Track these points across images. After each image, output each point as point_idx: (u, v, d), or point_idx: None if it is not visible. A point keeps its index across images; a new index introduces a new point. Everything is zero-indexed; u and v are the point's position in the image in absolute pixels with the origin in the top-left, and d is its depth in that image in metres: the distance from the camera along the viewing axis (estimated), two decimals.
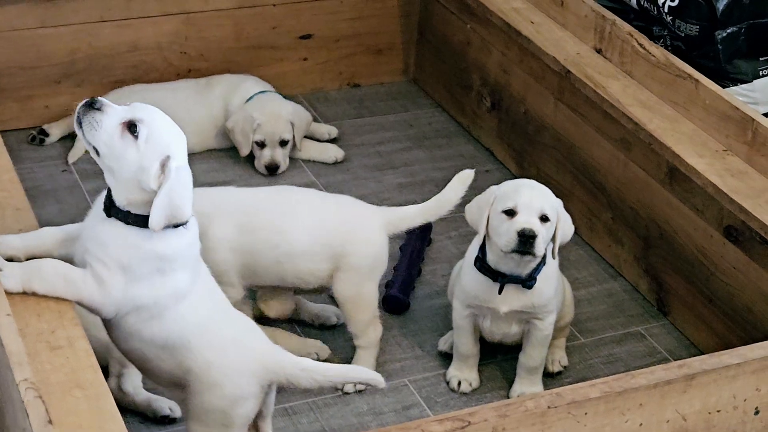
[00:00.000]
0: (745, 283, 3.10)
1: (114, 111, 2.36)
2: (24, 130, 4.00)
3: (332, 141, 4.11)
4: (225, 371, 2.49)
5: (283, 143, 3.91)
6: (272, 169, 3.90)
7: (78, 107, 2.37)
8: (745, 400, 2.48)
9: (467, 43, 4.17)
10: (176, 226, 2.38)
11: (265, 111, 3.90)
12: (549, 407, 2.26)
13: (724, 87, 3.55)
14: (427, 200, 3.11)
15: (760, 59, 3.76)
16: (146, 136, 2.34)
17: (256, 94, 3.97)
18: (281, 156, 3.91)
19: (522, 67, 3.88)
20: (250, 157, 3.96)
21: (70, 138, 3.96)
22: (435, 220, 3.62)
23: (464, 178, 3.05)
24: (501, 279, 2.90)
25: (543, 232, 2.81)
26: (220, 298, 2.59)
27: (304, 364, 2.53)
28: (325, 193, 3.30)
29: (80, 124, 2.36)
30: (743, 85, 3.71)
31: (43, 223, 2.67)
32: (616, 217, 3.56)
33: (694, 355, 3.16)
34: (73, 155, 3.87)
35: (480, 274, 2.94)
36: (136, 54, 4.09)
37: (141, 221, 2.37)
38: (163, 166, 2.34)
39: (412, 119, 4.32)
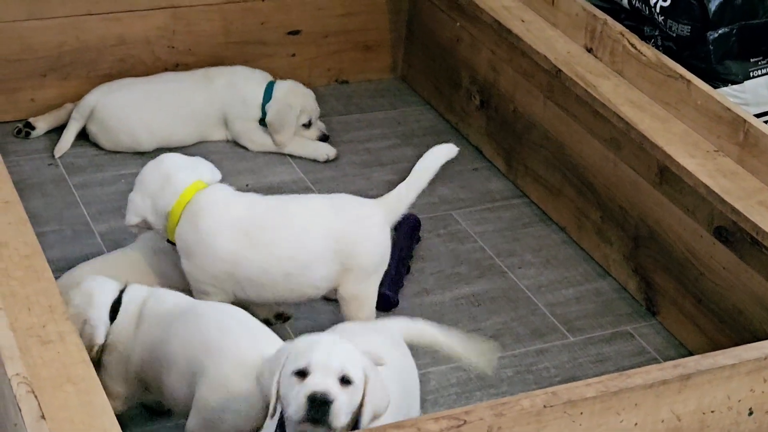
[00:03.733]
0: (734, 283, 3.10)
1: None
2: (10, 123, 3.97)
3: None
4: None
5: None
6: (326, 138, 4.07)
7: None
8: (739, 401, 2.47)
9: (457, 41, 4.16)
10: None
11: (298, 94, 4.01)
12: (545, 406, 2.25)
13: (714, 88, 3.55)
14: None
15: (751, 60, 3.76)
16: None
17: (267, 84, 4.00)
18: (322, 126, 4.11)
19: (512, 66, 3.87)
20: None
21: (56, 131, 3.92)
22: (424, 218, 3.65)
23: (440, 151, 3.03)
24: None
25: (343, 398, 2.21)
26: None
27: None
28: (326, 195, 3.20)
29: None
30: (734, 86, 3.71)
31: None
32: (606, 216, 3.56)
33: (683, 356, 3.17)
34: (60, 149, 3.84)
35: None
36: (124, 48, 4.06)
37: None
38: None
39: (400, 116, 4.31)
